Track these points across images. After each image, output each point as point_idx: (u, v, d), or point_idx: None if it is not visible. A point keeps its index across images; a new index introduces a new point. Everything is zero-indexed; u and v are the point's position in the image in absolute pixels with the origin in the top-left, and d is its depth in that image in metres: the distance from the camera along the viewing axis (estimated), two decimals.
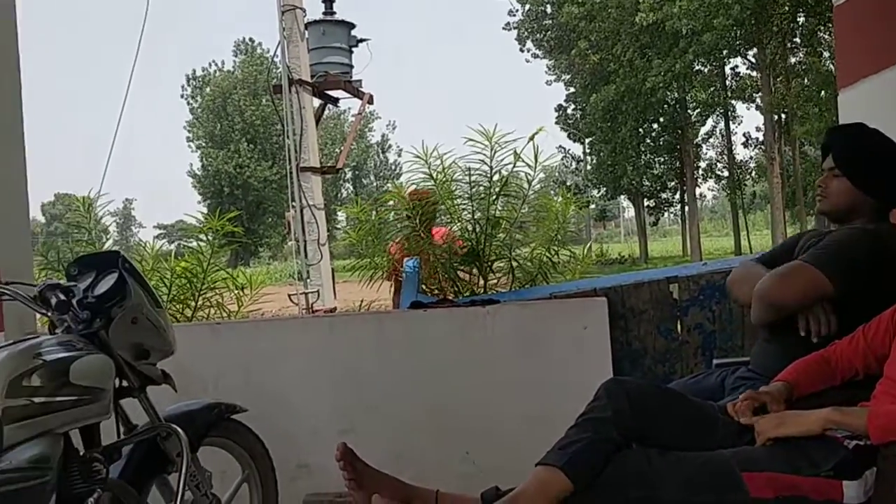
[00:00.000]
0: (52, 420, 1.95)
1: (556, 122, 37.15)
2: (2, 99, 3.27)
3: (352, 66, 11.04)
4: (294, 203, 9.42)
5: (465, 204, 4.95)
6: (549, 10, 33.62)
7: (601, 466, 1.94)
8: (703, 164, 37.04)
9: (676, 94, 33.13)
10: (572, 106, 37.07)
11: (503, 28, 34.77)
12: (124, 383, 2.36)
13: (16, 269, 3.06)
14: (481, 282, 4.82)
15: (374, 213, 5.62)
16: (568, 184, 34.44)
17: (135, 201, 60.85)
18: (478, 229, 4.85)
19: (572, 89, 36.28)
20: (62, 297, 2.26)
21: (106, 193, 5.77)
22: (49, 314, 2.30)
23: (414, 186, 5.06)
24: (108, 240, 5.99)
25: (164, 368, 2.52)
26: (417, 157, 4.94)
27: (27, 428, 1.88)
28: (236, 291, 5.51)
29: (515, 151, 4.80)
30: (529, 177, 4.95)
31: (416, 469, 3.09)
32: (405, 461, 3.17)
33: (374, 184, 51.55)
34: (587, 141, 37.11)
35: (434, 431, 3.48)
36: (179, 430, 2.38)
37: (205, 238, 5.51)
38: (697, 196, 39.07)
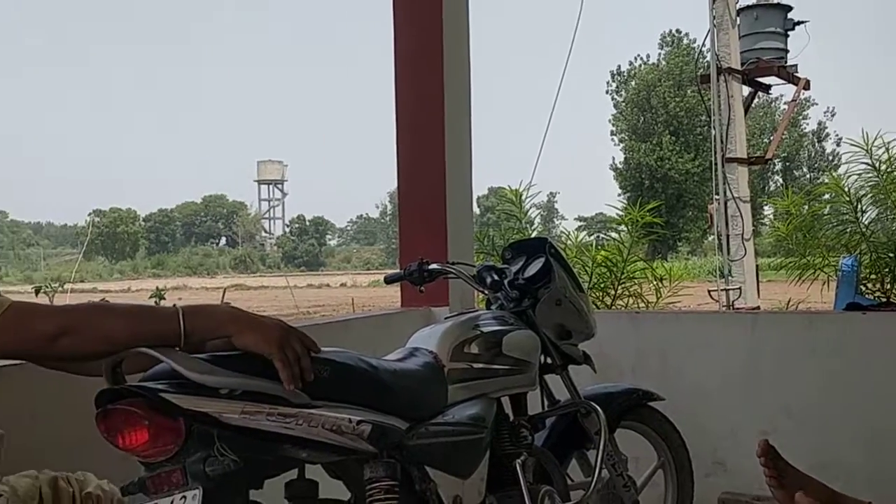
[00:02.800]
0: (487, 385, 2.17)
1: None
2: (455, 107, 3.69)
3: (787, 51, 10.43)
4: (717, 196, 9.21)
5: None
6: None
7: None
8: None
9: None
10: None
11: None
12: (548, 360, 2.53)
13: (460, 252, 3.47)
14: None
15: (806, 206, 5.24)
16: None
17: (558, 194, 64.06)
18: None
19: None
20: (496, 277, 2.50)
21: (535, 184, 6.18)
22: (485, 292, 2.56)
23: (854, 178, 4.61)
24: (532, 230, 6.40)
25: (584, 350, 2.65)
26: (857, 146, 4.50)
27: (467, 389, 2.11)
28: (654, 283, 5.55)
29: None
30: None
31: (844, 483, 2.83)
32: (831, 472, 2.91)
33: (807, 175, 47.75)
34: None
35: (867, 444, 3.17)
36: (598, 408, 2.49)
37: (625, 229, 5.64)
38: None
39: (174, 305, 1.48)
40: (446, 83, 3.60)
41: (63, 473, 1.67)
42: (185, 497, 1.43)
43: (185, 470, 1.45)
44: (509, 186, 6.04)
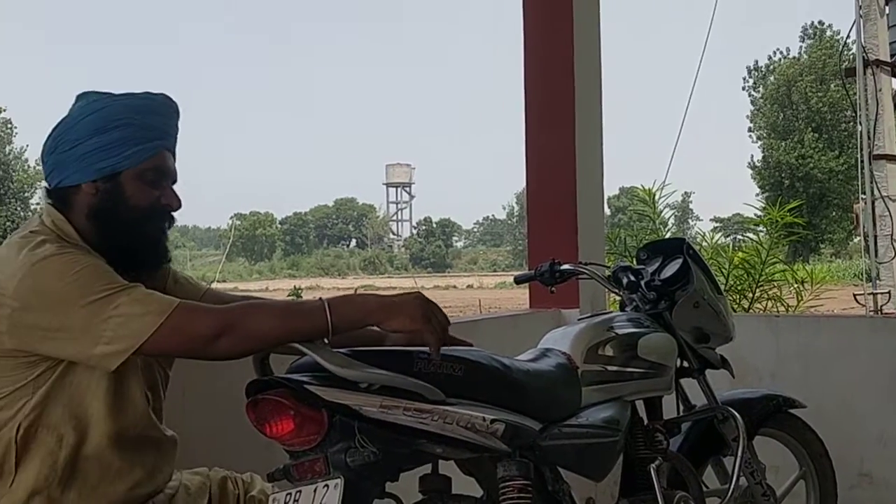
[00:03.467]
0: (622, 388, 2.14)
1: None
2: (586, 106, 3.66)
3: None
4: (864, 195, 8.76)
5: None
6: None
7: None
8: None
9: None
10: None
11: None
12: (684, 364, 2.47)
13: (591, 253, 3.43)
14: None
15: None
16: None
17: (693, 194, 62.19)
18: None
19: None
20: (632, 278, 2.45)
21: (669, 184, 6.05)
22: (620, 293, 2.52)
23: None
24: (666, 231, 6.26)
25: (722, 354, 2.57)
26: None
27: (601, 392, 2.09)
28: (795, 286, 5.34)
29: None
30: None
31: None
32: None
33: None
34: None
35: None
36: (737, 414, 2.41)
37: (763, 230, 5.45)
38: None
39: (320, 298, 1.53)
40: (577, 82, 3.57)
41: (232, 473, 1.76)
42: (327, 486, 1.49)
43: (328, 459, 1.51)
44: (642, 186, 5.93)
